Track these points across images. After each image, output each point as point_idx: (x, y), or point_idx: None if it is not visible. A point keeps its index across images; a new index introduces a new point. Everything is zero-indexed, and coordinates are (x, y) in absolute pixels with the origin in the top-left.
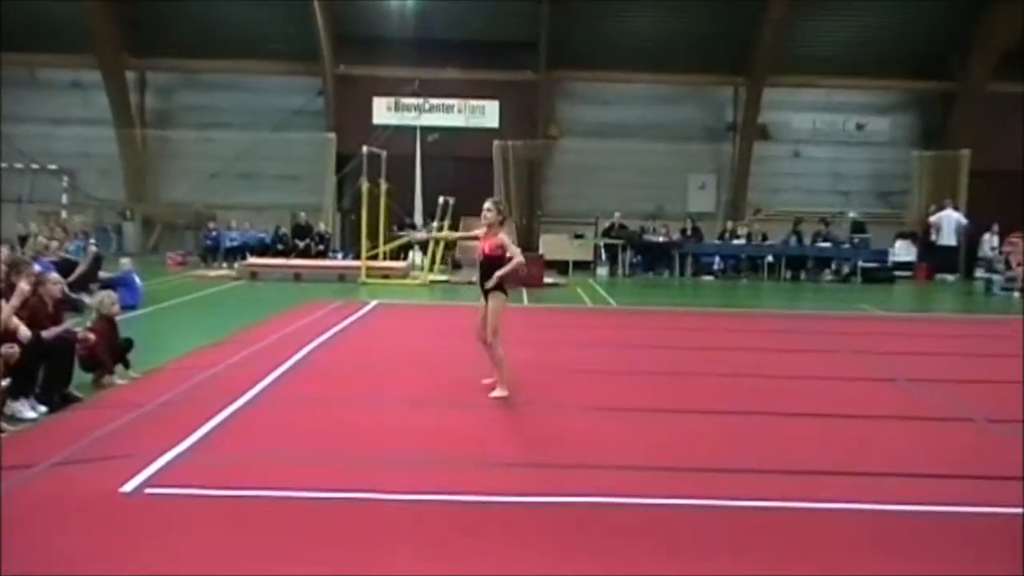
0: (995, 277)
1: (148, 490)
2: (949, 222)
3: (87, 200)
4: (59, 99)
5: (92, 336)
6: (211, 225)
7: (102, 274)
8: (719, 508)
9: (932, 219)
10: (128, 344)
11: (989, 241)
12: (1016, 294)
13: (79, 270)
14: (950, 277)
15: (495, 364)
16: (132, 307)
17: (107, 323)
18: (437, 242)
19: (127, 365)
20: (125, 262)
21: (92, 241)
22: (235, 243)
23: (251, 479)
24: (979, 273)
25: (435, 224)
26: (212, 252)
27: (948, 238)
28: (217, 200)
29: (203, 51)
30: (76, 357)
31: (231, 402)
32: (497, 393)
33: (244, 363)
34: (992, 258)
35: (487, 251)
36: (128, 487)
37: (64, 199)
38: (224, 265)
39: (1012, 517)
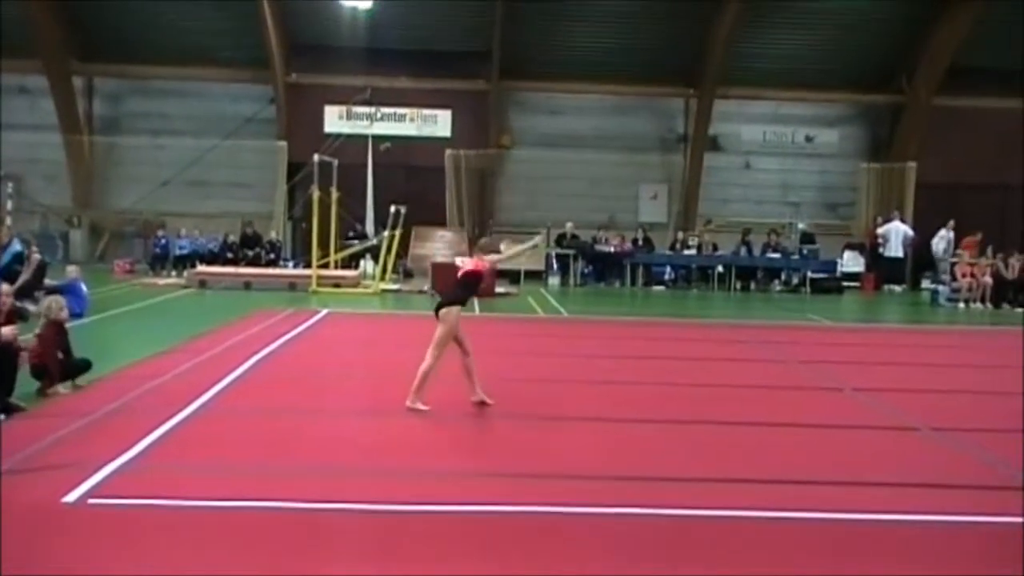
0: (941, 288)
1: (91, 500)
2: (896, 233)
3: (33, 206)
4: (5, 104)
5: (33, 347)
6: (160, 233)
7: (47, 281)
8: (668, 517)
9: (880, 230)
10: (86, 365)
11: (946, 236)
12: (961, 305)
13: (23, 278)
14: (897, 288)
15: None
16: (78, 315)
17: (56, 328)
18: (390, 250)
19: (75, 383)
20: (71, 269)
21: (35, 248)
22: (184, 251)
23: (196, 489)
24: (926, 284)
25: (386, 233)
26: (161, 260)
27: (895, 249)
28: (166, 208)
29: (152, 58)
30: (28, 365)
31: (177, 412)
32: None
33: (191, 372)
34: (943, 258)
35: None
36: (71, 497)
37: (9, 205)
38: (173, 273)
39: (957, 525)
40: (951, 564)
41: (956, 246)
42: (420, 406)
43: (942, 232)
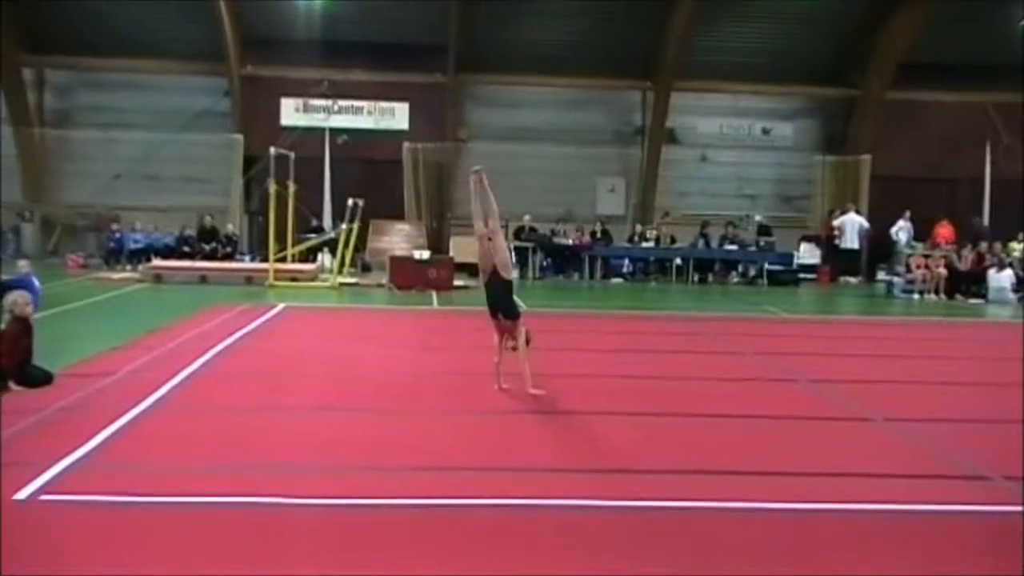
0: (896, 279)
1: (43, 497)
2: (852, 226)
3: None
4: None
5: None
6: (114, 227)
7: None
8: (623, 508)
9: (835, 223)
10: (46, 379)
11: (905, 227)
12: (916, 296)
13: None
14: (853, 279)
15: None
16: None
17: (21, 325)
18: (347, 244)
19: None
20: (23, 264)
21: None
22: (139, 245)
23: (151, 486)
24: (881, 275)
25: (344, 226)
26: (115, 254)
27: (851, 241)
28: (120, 201)
29: (104, 50)
30: None
31: (131, 408)
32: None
33: (146, 368)
34: (903, 250)
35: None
36: (22, 494)
37: None
38: (127, 268)
39: (908, 514)
40: (901, 552)
41: (916, 236)
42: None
43: (901, 223)
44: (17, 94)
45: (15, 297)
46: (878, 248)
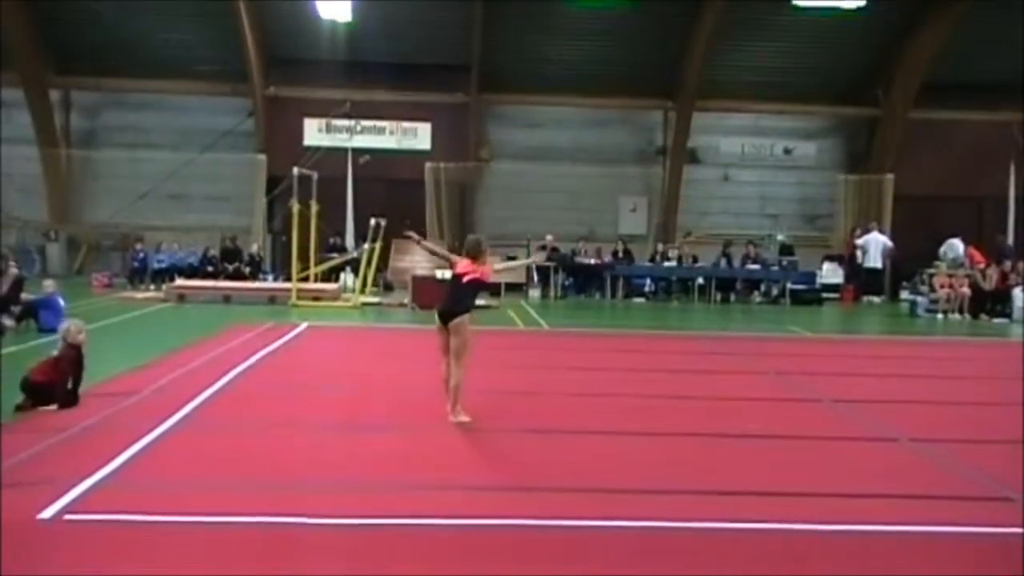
0: (919, 299)
1: (68, 516)
2: (875, 245)
3: (9, 220)
4: None
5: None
6: (138, 246)
7: (25, 296)
8: (646, 529)
9: (858, 242)
10: (74, 400)
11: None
12: (940, 315)
13: None
14: (876, 299)
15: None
16: (55, 330)
17: (75, 352)
18: (370, 263)
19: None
20: (49, 284)
21: (13, 262)
22: (163, 265)
23: (175, 505)
24: (904, 295)
25: (367, 246)
26: (139, 274)
27: (874, 260)
28: (144, 221)
29: (130, 71)
30: (28, 381)
31: (155, 426)
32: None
33: (170, 387)
34: (929, 271)
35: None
36: (47, 513)
37: None
38: (152, 287)
39: (934, 535)
40: (926, 573)
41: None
42: (463, 418)
43: (957, 242)
44: (44, 115)
45: (68, 325)
46: (902, 267)
